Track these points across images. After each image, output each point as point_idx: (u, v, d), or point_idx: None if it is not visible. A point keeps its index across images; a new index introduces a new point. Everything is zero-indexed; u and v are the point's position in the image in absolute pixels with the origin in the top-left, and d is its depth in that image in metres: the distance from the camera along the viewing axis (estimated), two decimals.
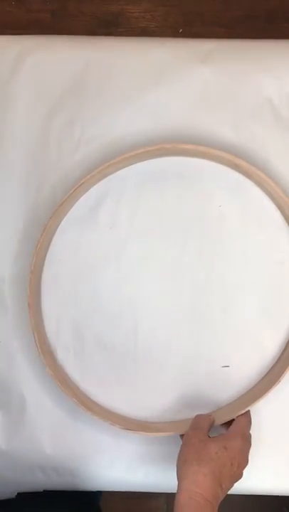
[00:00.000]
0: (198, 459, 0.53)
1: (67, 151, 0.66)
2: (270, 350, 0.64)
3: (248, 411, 0.60)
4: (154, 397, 0.64)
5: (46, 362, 0.61)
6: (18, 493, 0.66)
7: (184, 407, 0.64)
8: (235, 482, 0.55)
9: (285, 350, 0.64)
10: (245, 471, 0.56)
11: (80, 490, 0.66)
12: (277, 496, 0.66)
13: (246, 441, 0.57)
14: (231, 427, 0.58)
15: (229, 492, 0.55)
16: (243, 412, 0.59)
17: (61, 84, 0.67)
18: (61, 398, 0.63)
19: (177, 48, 0.67)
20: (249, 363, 0.64)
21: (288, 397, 0.64)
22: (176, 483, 0.53)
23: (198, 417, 0.59)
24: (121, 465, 0.65)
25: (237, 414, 0.59)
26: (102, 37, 0.69)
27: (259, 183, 0.64)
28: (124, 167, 0.65)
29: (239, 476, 0.56)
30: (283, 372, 0.59)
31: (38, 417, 0.65)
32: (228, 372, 0.64)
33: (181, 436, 0.59)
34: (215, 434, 0.57)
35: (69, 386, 0.62)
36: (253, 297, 0.64)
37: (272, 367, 0.64)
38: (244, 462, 0.56)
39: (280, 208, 0.64)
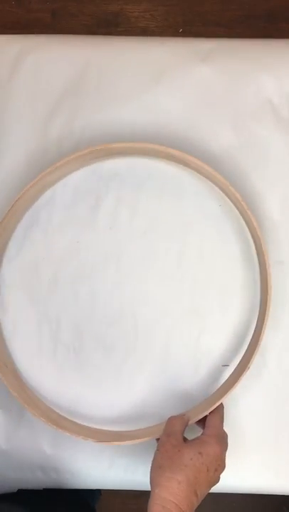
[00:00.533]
0: (171, 465, 0.50)
1: (67, 151, 0.66)
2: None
3: (221, 408, 0.58)
4: (152, 395, 0.64)
5: (8, 383, 0.59)
6: (18, 490, 0.67)
7: (177, 406, 0.63)
8: (212, 487, 0.53)
9: (253, 337, 0.62)
10: (245, 471, 0.56)
11: (80, 489, 0.66)
12: (277, 496, 0.66)
13: (222, 443, 0.54)
14: (205, 430, 0.55)
15: (229, 492, 0.55)
16: (214, 407, 0.57)
17: (61, 83, 0.67)
18: (60, 398, 0.63)
19: (177, 48, 0.67)
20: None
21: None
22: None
23: (171, 419, 0.57)
24: (120, 464, 0.65)
25: (210, 410, 0.57)
26: (102, 37, 0.69)
27: (200, 172, 0.63)
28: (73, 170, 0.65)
29: (216, 480, 0.53)
30: (251, 359, 0.57)
31: None
32: (227, 371, 0.64)
33: (158, 440, 0.57)
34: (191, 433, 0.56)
35: (37, 405, 0.61)
36: (253, 296, 0.64)
37: (242, 356, 0.62)
38: (221, 466, 0.53)
39: (223, 191, 0.63)
